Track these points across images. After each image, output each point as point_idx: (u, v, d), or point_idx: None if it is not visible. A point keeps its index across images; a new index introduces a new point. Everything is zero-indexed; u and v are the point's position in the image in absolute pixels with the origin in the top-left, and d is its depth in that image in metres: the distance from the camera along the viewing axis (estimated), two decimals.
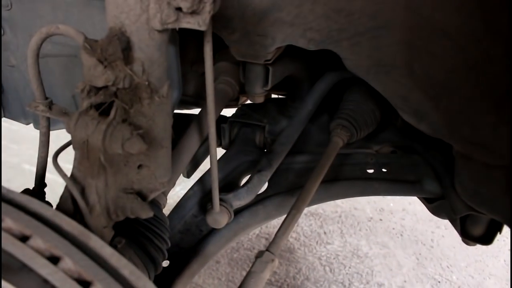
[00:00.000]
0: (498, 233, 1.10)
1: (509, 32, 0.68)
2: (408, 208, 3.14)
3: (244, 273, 2.46)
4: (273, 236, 0.94)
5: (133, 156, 0.72)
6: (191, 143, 1.07)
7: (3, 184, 0.63)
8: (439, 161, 1.10)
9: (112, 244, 0.80)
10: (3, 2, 1.16)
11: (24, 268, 0.53)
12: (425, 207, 1.26)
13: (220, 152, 1.13)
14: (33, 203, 0.61)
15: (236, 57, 0.96)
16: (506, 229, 1.09)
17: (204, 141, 1.17)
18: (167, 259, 1.08)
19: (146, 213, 0.74)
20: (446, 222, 1.25)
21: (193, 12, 0.63)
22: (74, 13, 1.07)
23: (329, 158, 1.04)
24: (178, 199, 1.24)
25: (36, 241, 0.56)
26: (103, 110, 0.70)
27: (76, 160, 0.73)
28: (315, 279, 2.54)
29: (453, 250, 2.79)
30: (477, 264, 2.69)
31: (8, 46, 1.25)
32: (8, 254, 0.54)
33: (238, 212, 1.18)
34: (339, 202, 3.13)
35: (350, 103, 1.13)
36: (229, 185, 1.23)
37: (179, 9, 0.63)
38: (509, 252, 2.69)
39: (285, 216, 0.96)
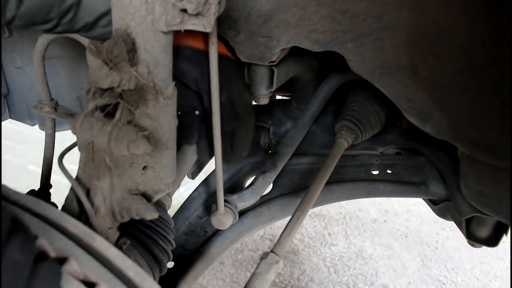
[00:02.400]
0: (504, 235, 1.10)
1: None
2: (413, 210, 3.13)
3: (249, 274, 2.47)
4: (277, 237, 0.93)
5: (138, 157, 0.72)
6: None
7: (8, 185, 0.63)
8: (444, 163, 1.10)
9: (117, 245, 0.80)
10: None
11: None
12: (430, 209, 1.26)
13: None
14: (39, 205, 0.62)
15: (241, 58, 0.96)
16: None
17: None
18: (172, 260, 1.08)
19: (151, 214, 0.74)
20: (451, 223, 1.25)
21: (198, 14, 0.63)
22: None
23: (334, 160, 1.04)
24: (183, 200, 1.25)
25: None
26: (108, 111, 0.70)
27: (82, 161, 0.73)
28: (319, 281, 2.54)
29: (458, 251, 2.78)
30: (482, 266, 2.68)
31: (14, 47, 1.26)
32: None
33: (242, 213, 1.18)
34: (343, 203, 3.12)
35: (354, 104, 1.13)
36: (233, 187, 1.24)
37: (184, 10, 0.63)
38: None
39: (289, 217, 0.96)
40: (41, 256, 0.53)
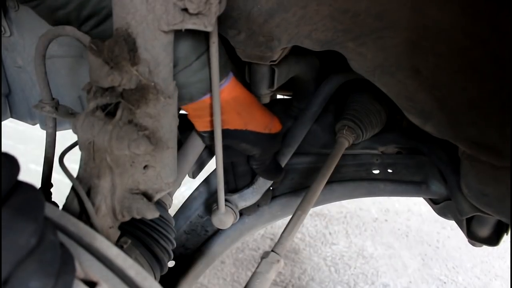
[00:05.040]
0: (505, 234, 1.10)
1: None
2: (414, 209, 3.13)
3: (249, 274, 2.47)
4: (278, 236, 0.94)
5: (139, 156, 0.72)
6: (197, 144, 1.07)
7: None
8: (445, 162, 1.10)
9: (118, 244, 0.81)
10: (10, 4, 1.17)
11: None
12: (430, 208, 1.26)
13: None
14: None
15: (241, 58, 0.96)
16: None
17: None
18: (173, 260, 1.08)
19: (151, 214, 0.74)
20: (452, 223, 1.25)
21: (199, 13, 0.63)
22: None
23: (335, 159, 1.04)
24: (184, 199, 1.25)
25: None
26: (109, 111, 0.70)
27: (82, 160, 0.73)
28: (320, 280, 2.54)
29: (459, 251, 2.78)
30: (483, 265, 2.68)
31: (15, 47, 1.26)
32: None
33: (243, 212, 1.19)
34: (344, 202, 3.12)
35: (355, 104, 1.12)
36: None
37: (185, 10, 0.63)
38: None
39: (290, 216, 0.96)
40: None
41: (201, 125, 0.96)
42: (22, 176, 0.47)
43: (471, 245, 1.17)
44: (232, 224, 1.09)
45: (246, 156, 1.05)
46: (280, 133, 1.05)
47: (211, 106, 0.87)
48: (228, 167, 1.11)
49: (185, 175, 1.13)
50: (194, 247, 1.22)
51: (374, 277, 2.57)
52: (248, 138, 0.97)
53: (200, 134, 1.00)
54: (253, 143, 0.98)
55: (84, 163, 0.73)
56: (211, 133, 0.93)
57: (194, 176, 1.25)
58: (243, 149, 1.00)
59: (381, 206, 3.15)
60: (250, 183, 1.12)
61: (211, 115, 0.90)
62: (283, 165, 1.13)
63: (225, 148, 0.93)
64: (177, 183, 1.05)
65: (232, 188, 1.14)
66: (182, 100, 0.87)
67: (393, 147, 1.20)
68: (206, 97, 0.88)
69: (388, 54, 0.83)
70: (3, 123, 1.35)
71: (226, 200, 1.05)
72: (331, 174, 1.02)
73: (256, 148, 1.00)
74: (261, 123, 0.98)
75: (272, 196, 1.21)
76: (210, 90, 0.86)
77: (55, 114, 0.89)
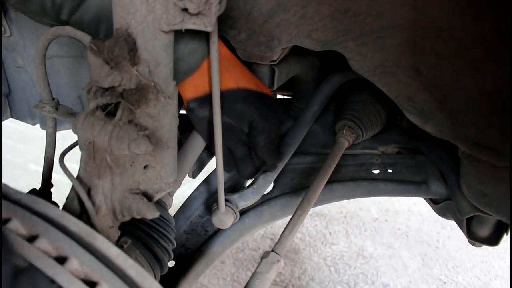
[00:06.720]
0: (505, 234, 1.10)
1: None
2: (414, 209, 3.13)
3: (249, 274, 2.47)
4: (278, 236, 0.94)
5: (139, 156, 0.72)
6: (197, 144, 1.07)
7: (9, 184, 0.63)
8: (445, 162, 1.10)
9: (118, 244, 0.81)
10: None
11: (31, 268, 0.54)
12: (430, 208, 1.26)
13: None
14: (40, 204, 0.62)
15: (241, 57, 0.96)
16: None
17: None
18: (173, 259, 1.08)
19: (152, 214, 0.74)
20: (452, 222, 1.25)
21: (199, 13, 0.63)
22: None
23: (335, 159, 1.04)
24: (184, 199, 1.25)
25: (43, 242, 0.56)
26: (109, 111, 0.70)
27: (82, 160, 0.73)
28: (320, 280, 2.54)
29: (459, 251, 2.78)
30: (483, 265, 2.68)
31: (15, 47, 1.26)
32: (15, 254, 0.54)
33: (243, 212, 1.18)
34: (344, 202, 3.13)
35: (355, 103, 1.13)
36: (234, 186, 1.24)
37: (185, 10, 0.63)
38: None
39: (290, 216, 0.96)
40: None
41: (190, 89, 0.92)
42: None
43: (471, 245, 1.17)
44: (232, 224, 1.09)
45: (249, 142, 1.02)
46: (274, 98, 1.00)
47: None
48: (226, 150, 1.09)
49: (185, 175, 1.13)
50: (194, 247, 1.22)
51: (374, 277, 2.57)
52: (242, 97, 0.93)
53: (188, 107, 0.95)
54: (248, 102, 0.93)
55: (84, 163, 0.73)
56: (201, 100, 0.90)
57: (194, 176, 1.25)
58: (240, 113, 0.95)
59: (381, 206, 3.15)
60: (251, 183, 1.12)
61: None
62: (283, 166, 1.13)
63: (224, 132, 0.90)
64: (177, 183, 1.04)
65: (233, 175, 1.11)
66: (184, 73, 0.86)
67: (393, 147, 1.20)
68: None
69: (388, 54, 0.83)
70: (3, 123, 1.35)
71: (226, 200, 1.05)
72: (331, 174, 1.02)
73: (252, 109, 0.94)
74: (252, 80, 0.95)
75: (270, 198, 1.21)
76: (207, 53, 0.84)
77: (55, 114, 0.89)
